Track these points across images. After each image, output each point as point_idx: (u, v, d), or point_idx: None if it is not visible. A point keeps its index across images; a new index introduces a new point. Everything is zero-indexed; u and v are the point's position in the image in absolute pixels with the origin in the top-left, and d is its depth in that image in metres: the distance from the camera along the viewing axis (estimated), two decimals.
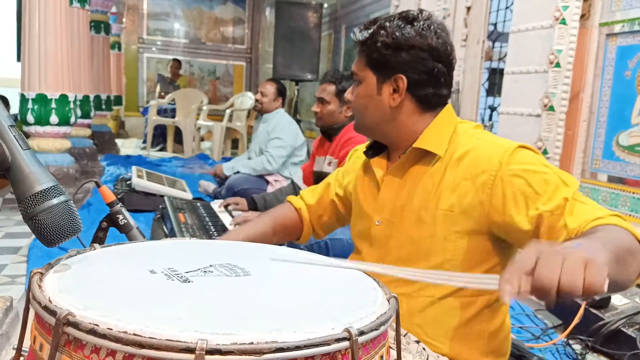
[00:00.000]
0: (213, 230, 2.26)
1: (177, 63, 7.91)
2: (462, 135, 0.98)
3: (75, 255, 0.64)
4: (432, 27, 0.97)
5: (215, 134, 6.27)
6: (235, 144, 6.91)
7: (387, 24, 0.98)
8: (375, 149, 1.10)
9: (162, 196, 3.00)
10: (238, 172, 3.48)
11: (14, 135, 0.59)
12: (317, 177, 2.31)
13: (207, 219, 2.44)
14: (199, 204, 2.77)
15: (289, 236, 1.24)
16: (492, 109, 4.13)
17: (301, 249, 1.76)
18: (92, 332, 0.43)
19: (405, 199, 0.99)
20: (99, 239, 1.06)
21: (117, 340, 0.42)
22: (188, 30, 9.12)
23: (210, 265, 0.62)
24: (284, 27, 5.07)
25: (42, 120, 3.16)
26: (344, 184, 1.20)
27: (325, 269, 0.68)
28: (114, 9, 6.41)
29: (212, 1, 9.16)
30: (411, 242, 0.98)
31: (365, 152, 1.11)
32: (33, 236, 2.54)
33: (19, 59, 4.91)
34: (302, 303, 0.55)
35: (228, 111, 6.43)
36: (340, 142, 2.27)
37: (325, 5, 5.13)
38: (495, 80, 4.10)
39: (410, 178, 1.00)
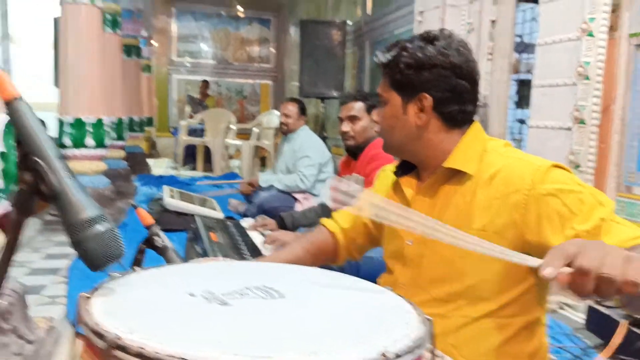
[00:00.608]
0: (244, 249, 2.28)
1: (205, 84, 8.11)
2: (493, 154, 0.98)
3: (118, 278, 0.67)
4: (453, 45, 0.98)
5: (243, 153, 6.38)
6: (263, 161, 7.00)
7: (409, 45, 0.99)
8: (404, 168, 1.11)
9: (194, 215, 3.05)
10: (272, 186, 3.51)
11: (61, 166, 0.63)
12: (345, 196, 2.31)
13: (238, 238, 2.47)
14: (229, 223, 2.81)
15: (324, 259, 1.25)
16: (522, 121, 4.07)
17: (333, 268, 1.77)
18: (140, 355, 0.46)
19: (436, 219, 1.00)
20: (137, 260, 1.09)
21: None
22: (215, 51, 9.36)
23: (246, 288, 0.64)
24: (309, 46, 5.15)
25: (78, 144, 3.28)
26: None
27: (358, 291, 0.69)
28: (144, 33, 6.64)
29: (238, 22, 9.39)
30: (444, 262, 0.97)
31: (395, 172, 1.12)
32: (72, 257, 2.64)
33: (56, 84, 5.14)
34: (337, 326, 0.56)
35: (256, 130, 6.54)
36: (366, 158, 2.27)
37: (349, 22, 5.19)
38: (524, 92, 4.05)
39: (441, 197, 1.00)
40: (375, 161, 2.15)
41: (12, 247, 0.68)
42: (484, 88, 3.07)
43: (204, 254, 2.23)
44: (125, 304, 0.58)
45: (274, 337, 0.51)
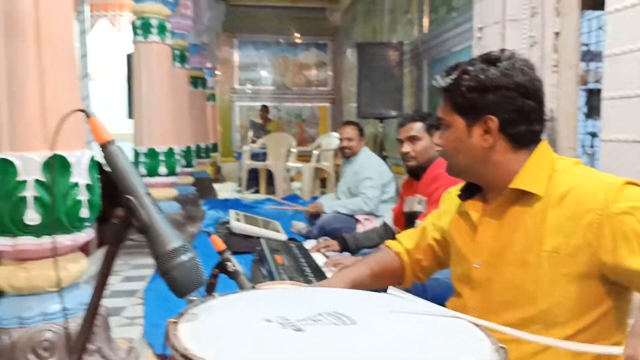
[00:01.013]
0: (308, 271, 2.32)
1: (265, 108, 8.38)
2: (563, 173, 0.96)
3: (199, 303, 0.72)
4: (516, 65, 0.97)
5: (304, 175, 6.49)
6: (323, 183, 7.09)
7: (470, 68, 1.00)
8: (469, 191, 1.10)
9: (259, 238, 3.14)
10: (337, 211, 3.53)
11: (150, 202, 0.69)
12: (409, 218, 2.30)
13: (302, 259, 2.52)
14: (292, 245, 2.87)
15: (390, 281, 1.25)
16: (593, 135, 3.87)
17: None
18: None
19: (505, 241, 0.98)
20: (211, 285, 1.15)
21: None
22: (275, 77, 9.68)
23: (319, 314, 0.66)
24: (366, 67, 5.20)
25: (152, 172, 3.49)
26: (440, 227, 1.20)
27: (429, 316, 0.69)
28: (208, 64, 6.99)
29: (296, 48, 9.68)
30: (514, 286, 0.95)
31: (459, 195, 1.11)
32: (148, 279, 2.79)
33: (129, 116, 5.51)
34: (410, 353, 0.57)
35: (315, 152, 6.65)
36: (429, 179, 2.25)
37: (406, 42, 5.20)
38: (593, 103, 3.86)
39: (509, 219, 0.98)
40: (438, 181, 2.13)
41: (106, 274, 0.75)
42: (550, 101, 2.96)
43: (270, 276, 2.29)
44: (209, 330, 0.63)
45: None
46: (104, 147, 0.70)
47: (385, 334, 0.63)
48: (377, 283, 1.21)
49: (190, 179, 4.82)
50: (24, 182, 1.35)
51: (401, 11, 5.60)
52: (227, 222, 3.58)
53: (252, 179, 7.23)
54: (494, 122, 0.98)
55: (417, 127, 2.29)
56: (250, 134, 8.06)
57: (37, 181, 1.37)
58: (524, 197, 0.97)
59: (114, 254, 0.73)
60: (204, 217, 4.62)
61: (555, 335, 0.92)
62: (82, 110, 0.70)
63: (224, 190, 7.44)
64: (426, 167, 2.28)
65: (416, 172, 2.36)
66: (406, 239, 1.27)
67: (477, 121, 1.00)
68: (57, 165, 1.39)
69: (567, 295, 0.91)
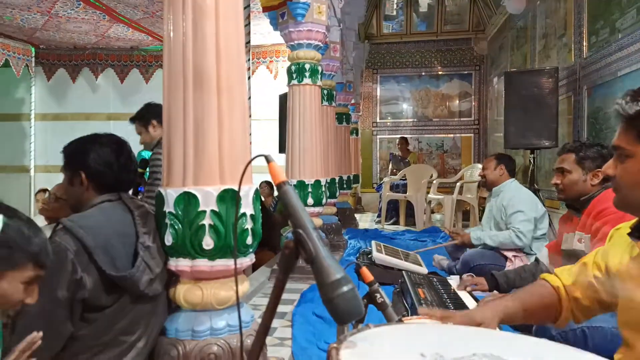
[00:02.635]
0: (452, 307, 2.26)
1: (404, 141, 8.41)
2: None
3: (356, 332, 0.78)
4: None
5: (445, 207, 6.33)
6: (466, 215, 6.82)
7: None
8: None
9: (400, 270, 3.15)
10: (484, 244, 3.39)
11: (316, 236, 0.78)
12: (567, 256, 2.12)
13: (445, 295, 2.46)
14: (435, 279, 2.81)
15: (544, 318, 1.17)
16: None
17: (553, 335, 1.62)
18: None
19: None
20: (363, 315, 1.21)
21: None
22: (416, 109, 9.70)
23: (474, 355, 0.67)
24: (514, 96, 4.96)
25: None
26: (606, 265, 1.10)
27: None
28: (353, 101, 7.30)
29: (438, 80, 9.61)
30: None
31: (630, 234, 1.02)
32: (295, 302, 2.97)
33: (280, 151, 5.98)
34: None
35: (458, 184, 6.46)
36: (591, 215, 2.06)
37: (562, 67, 4.85)
38: None
39: None
40: (604, 217, 1.94)
41: (277, 298, 0.85)
42: None
43: (412, 309, 2.28)
44: (367, 358, 0.68)
45: None
46: (280, 186, 0.81)
47: None
48: (530, 318, 1.14)
49: (333, 209, 5.03)
50: (204, 212, 1.58)
51: (556, 36, 5.26)
52: (369, 253, 3.65)
53: (392, 210, 7.26)
54: None
55: (568, 159, 2.16)
56: (390, 165, 8.15)
57: (213, 211, 1.58)
58: None
59: (284, 281, 0.83)
60: (346, 246, 4.76)
61: None
62: (264, 156, 0.82)
63: (364, 221, 7.58)
64: (585, 201, 2.10)
65: (575, 207, 2.18)
66: (564, 274, 1.19)
67: None
68: (229, 198, 1.60)
69: None
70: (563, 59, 4.99)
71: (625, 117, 0.97)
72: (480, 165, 6.62)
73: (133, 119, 3.13)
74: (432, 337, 0.78)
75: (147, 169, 3.17)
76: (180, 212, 1.59)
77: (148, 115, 3.05)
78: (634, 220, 1.03)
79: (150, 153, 3.12)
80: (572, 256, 2.05)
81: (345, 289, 0.73)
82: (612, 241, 1.13)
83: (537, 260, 2.58)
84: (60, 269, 1.40)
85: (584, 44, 4.43)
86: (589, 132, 4.29)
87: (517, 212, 3.22)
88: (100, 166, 1.62)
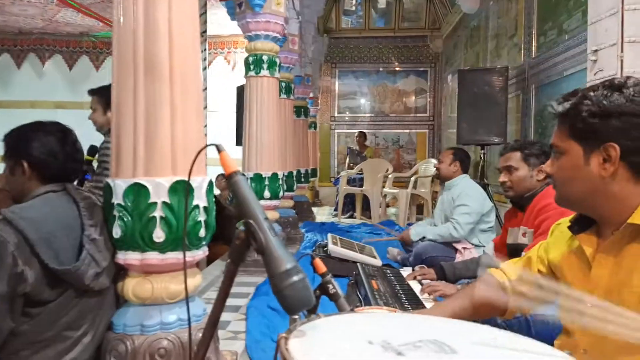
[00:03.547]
0: (404, 298, 2.31)
1: (362, 135, 8.52)
2: None
3: (306, 322, 0.78)
4: None
5: (400, 201, 6.46)
6: (420, 209, 6.98)
7: (591, 93, 0.96)
8: (580, 224, 1.05)
9: (355, 262, 3.19)
10: (424, 238, 3.50)
11: (267, 226, 0.77)
12: (513, 250, 2.21)
13: (398, 286, 2.52)
14: (388, 271, 2.87)
15: (492, 312, 1.22)
16: None
17: (499, 324, 1.69)
18: None
19: (623, 279, 0.93)
20: (313, 306, 1.21)
21: None
22: (373, 105, 9.83)
23: (420, 341, 0.69)
24: (466, 94, 5.11)
25: (257, 195, 3.72)
26: (548, 260, 1.16)
27: (534, 355, 0.69)
28: (311, 94, 7.30)
29: (395, 76, 9.77)
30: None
31: (570, 227, 1.07)
32: (250, 296, 2.95)
33: (237, 143, 5.91)
34: None
35: (412, 178, 6.60)
36: (534, 210, 2.16)
37: (512, 67, 5.03)
38: None
39: (628, 256, 0.93)
40: (546, 212, 2.04)
41: (227, 290, 0.84)
42: None
43: (366, 301, 2.32)
44: (317, 346, 0.68)
45: None
46: (231, 176, 0.80)
47: None
48: (479, 314, 1.19)
49: (291, 203, 5.03)
50: (155, 203, 1.54)
51: (507, 36, 5.45)
52: (325, 246, 3.68)
53: (349, 204, 7.34)
54: (615, 150, 0.93)
55: (514, 157, 2.25)
56: (347, 160, 8.23)
57: (165, 203, 1.55)
58: None
59: (235, 272, 0.82)
60: (303, 239, 4.78)
61: None
62: (216, 145, 0.80)
63: (321, 214, 7.62)
64: (529, 198, 2.20)
65: (520, 203, 2.28)
66: (509, 269, 1.24)
67: (596, 149, 0.96)
68: (181, 189, 1.56)
69: None
70: (513, 59, 5.18)
71: (556, 116, 1.02)
72: (434, 161, 6.80)
73: (93, 92, 2.79)
74: (380, 325, 0.79)
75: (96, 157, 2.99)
76: (129, 204, 1.54)
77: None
78: (574, 214, 1.09)
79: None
80: (517, 250, 2.15)
81: (295, 278, 0.73)
82: (553, 235, 1.18)
83: (484, 252, 2.68)
84: (0, 263, 1.33)
85: (533, 44, 4.61)
86: (536, 129, 4.48)
87: (461, 205, 3.34)
88: (44, 155, 1.54)
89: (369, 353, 0.65)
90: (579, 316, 1.00)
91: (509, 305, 1.21)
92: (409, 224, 5.73)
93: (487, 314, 1.24)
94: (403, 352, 0.65)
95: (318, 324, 0.78)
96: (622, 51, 3.18)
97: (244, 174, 0.81)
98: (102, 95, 2.71)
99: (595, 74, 2.84)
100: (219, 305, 0.86)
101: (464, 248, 3.35)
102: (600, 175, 0.95)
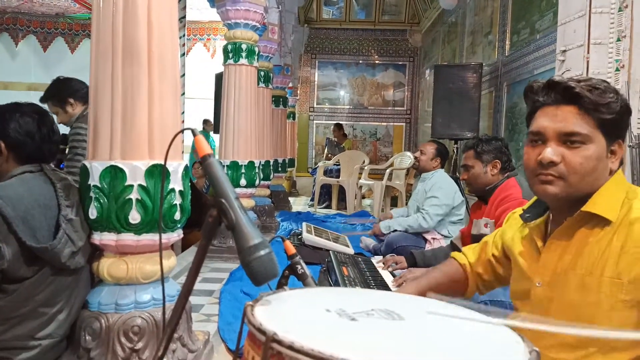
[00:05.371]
0: (373, 284, 2.41)
1: (338, 126, 8.59)
2: (635, 201, 0.96)
3: (272, 294, 0.85)
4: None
5: (375, 192, 6.57)
6: (394, 201, 7.11)
7: (611, 87, 0.99)
8: (532, 213, 1.13)
9: (328, 250, 3.28)
10: (395, 230, 3.61)
11: (238, 205, 0.83)
12: (475, 240, 2.32)
13: (368, 273, 2.61)
14: (360, 259, 2.97)
15: (454, 291, 1.30)
16: None
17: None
18: (291, 347, 0.61)
19: (568, 263, 1.00)
20: (282, 284, 1.28)
21: (307, 355, 0.59)
22: (352, 97, 9.90)
23: (372, 309, 0.76)
24: (442, 89, 5.23)
25: (234, 183, 3.75)
26: (502, 244, 1.24)
27: (473, 322, 0.77)
28: (290, 84, 7.33)
29: (374, 69, 9.85)
30: (573, 308, 0.97)
31: (522, 216, 1.15)
32: (224, 281, 3.00)
33: (215, 131, 5.91)
34: (447, 351, 0.66)
35: (388, 170, 6.72)
36: (495, 202, 2.28)
37: (486, 64, 5.16)
38: None
39: (576, 242, 1.00)
40: (506, 203, 2.16)
41: (199, 265, 0.90)
42: (637, 128, 2.84)
43: (335, 285, 2.41)
44: (279, 312, 0.75)
45: (395, 351, 0.63)
46: (204, 158, 0.86)
47: (429, 332, 0.72)
48: (443, 293, 1.27)
49: (267, 192, 5.08)
50: (131, 186, 1.58)
51: (482, 33, 5.57)
52: (300, 234, 3.75)
53: (325, 194, 7.42)
54: (621, 146, 0.99)
55: (469, 155, 2.39)
56: (325, 150, 8.30)
57: (141, 186, 1.59)
58: (594, 220, 0.98)
59: (206, 247, 0.88)
60: (279, 228, 4.84)
61: (614, 357, 0.93)
62: (191, 129, 0.86)
63: (298, 204, 7.68)
64: (490, 190, 2.32)
65: (483, 196, 2.39)
66: (470, 252, 1.33)
67: (613, 143, 0.99)
68: (158, 173, 1.60)
69: (627, 322, 0.92)
70: (487, 56, 5.31)
71: (577, 99, 0.97)
72: (409, 153, 6.92)
73: (45, 99, 2.72)
74: (339, 297, 0.86)
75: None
76: (106, 186, 1.58)
77: (64, 94, 2.68)
78: (529, 203, 1.17)
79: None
80: (480, 239, 2.26)
81: (262, 252, 0.79)
82: (508, 222, 1.27)
83: (452, 242, 2.80)
84: None
85: (507, 42, 4.74)
86: (506, 125, 4.62)
87: (432, 197, 3.45)
88: (21, 136, 1.57)
89: (326, 318, 0.73)
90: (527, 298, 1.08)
91: (469, 285, 1.30)
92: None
93: (451, 293, 1.33)
94: (356, 318, 0.73)
95: (283, 295, 0.85)
96: (588, 52, 3.32)
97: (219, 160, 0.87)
98: (54, 98, 2.67)
99: (562, 74, 2.96)
100: (192, 277, 0.91)
101: (433, 238, 3.47)
102: (611, 170, 1.00)
